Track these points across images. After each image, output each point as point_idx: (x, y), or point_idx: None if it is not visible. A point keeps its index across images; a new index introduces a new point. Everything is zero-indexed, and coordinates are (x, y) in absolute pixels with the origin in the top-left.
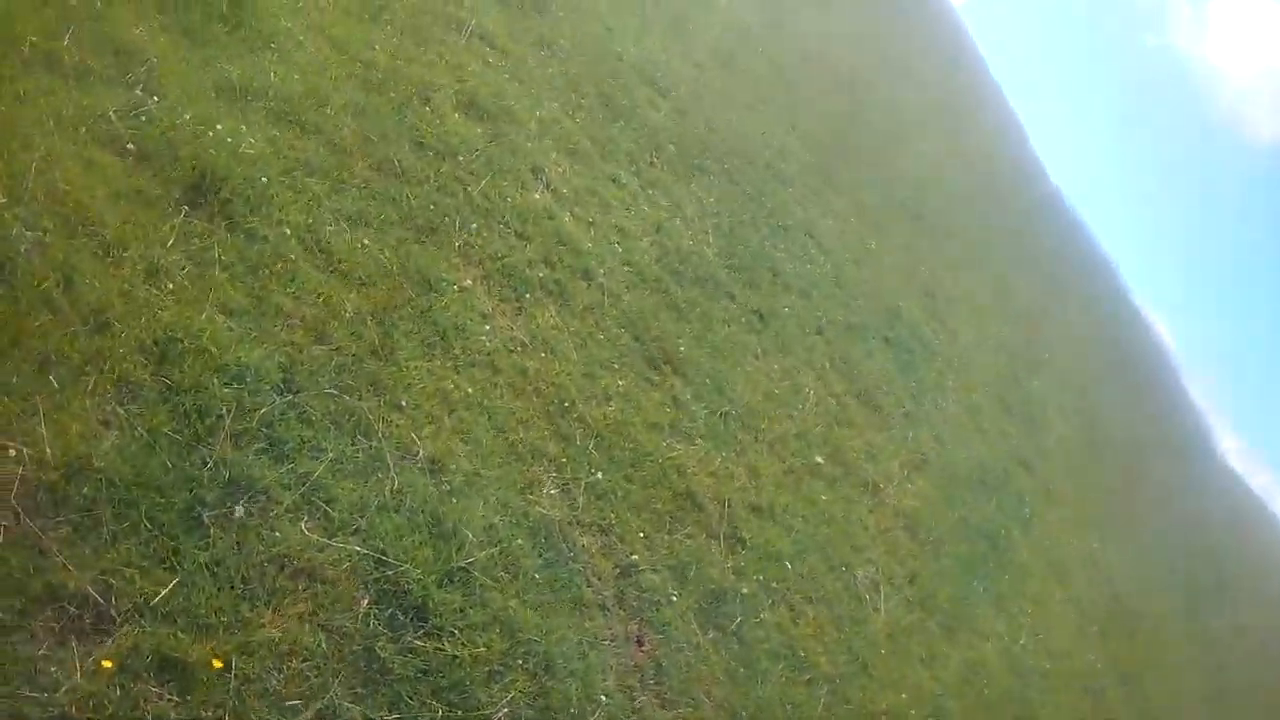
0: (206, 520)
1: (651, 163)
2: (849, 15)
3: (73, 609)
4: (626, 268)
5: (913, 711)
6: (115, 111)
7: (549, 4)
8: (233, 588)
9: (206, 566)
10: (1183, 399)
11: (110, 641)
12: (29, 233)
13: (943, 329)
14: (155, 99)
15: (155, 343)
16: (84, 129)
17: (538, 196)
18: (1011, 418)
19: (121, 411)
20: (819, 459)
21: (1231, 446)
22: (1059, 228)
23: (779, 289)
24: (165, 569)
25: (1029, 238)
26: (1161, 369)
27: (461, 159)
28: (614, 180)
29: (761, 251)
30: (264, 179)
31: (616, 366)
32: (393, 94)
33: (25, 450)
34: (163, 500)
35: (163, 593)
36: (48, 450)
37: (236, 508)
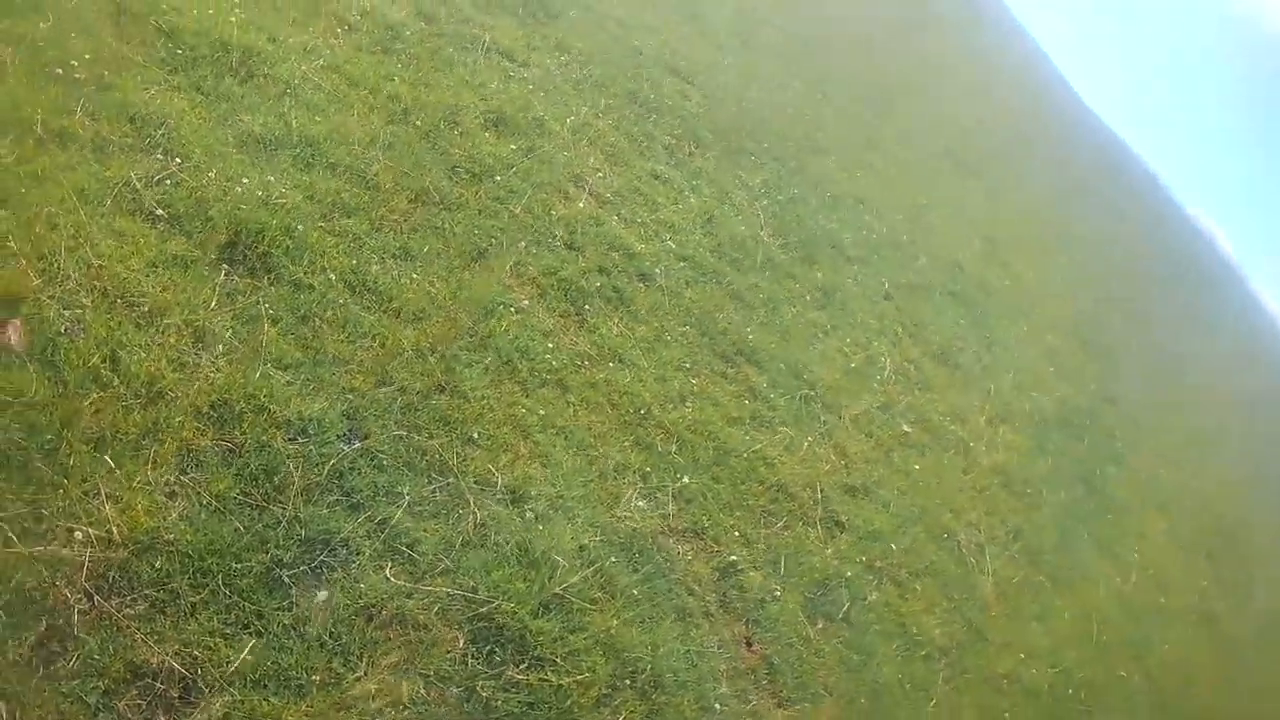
0: (287, 580)
1: (691, 153)
2: None
3: (158, 685)
4: (683, 263)
5: (1033, 670)
6: (139, 179)
7: (561, 10)
8: (322, 645)
9: (292, 627)
10: (1252, 304)
11: (200, 713)
12: (67, 312)
13: (1006, 273)
14: (178, 161)
15: (212, 407)
16: (109, 200)
17: (582, 205)
18: (1089, 353)
19: (186, 480)
20: (906, 428)
21: None
22: (1101, 151)
23: (839, 261)
24: (249, 633)
25: (1075, 166)
26: (1228, 278)
27: (499, 178)
28: (656, 176)
29: (816, 226)
30: (300, 227)
31: (688, 366)
32: (419, 122)
33: (91, 531)
34: (239, 565)
35: (249, 658)
36: (114, 529)
37: (319, 593)
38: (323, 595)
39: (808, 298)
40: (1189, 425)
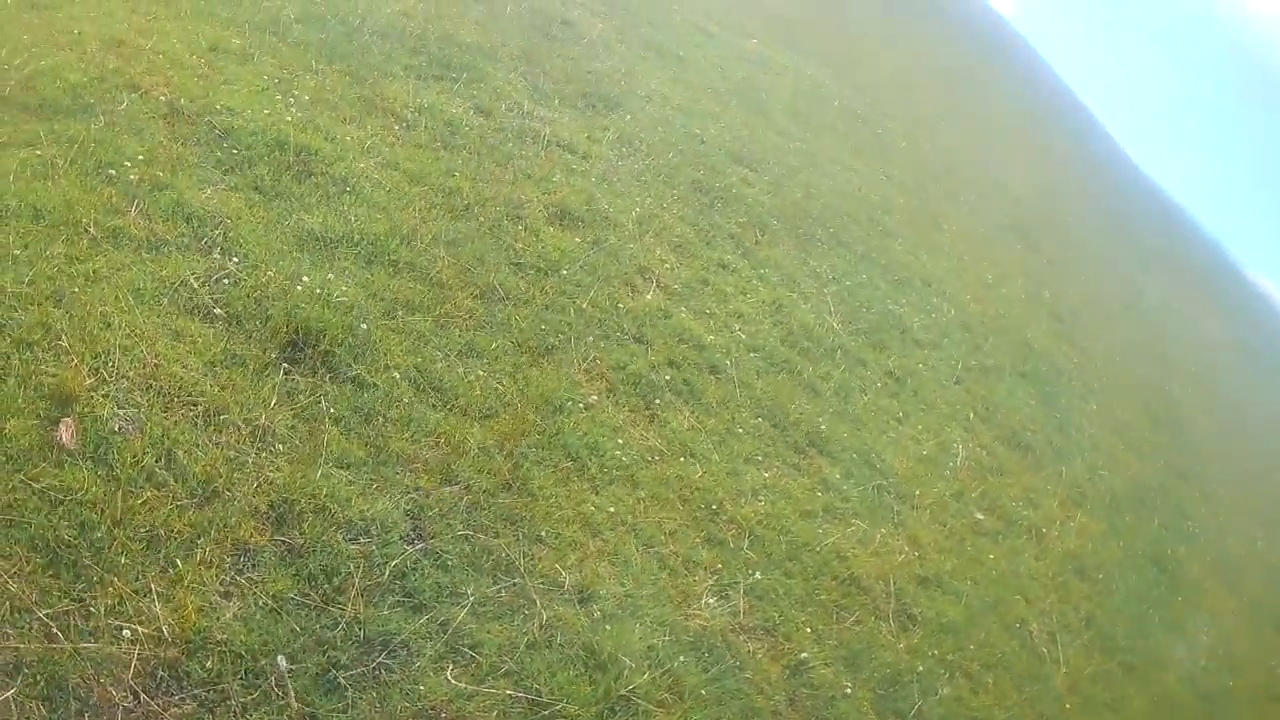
0: (344, 682)
1: (757, 241)
2: (911, 49)
3: None
4: (753, 354)
5: None
6: (196, 278)
7: (620, 101)
8: None
9: None
10: None
11: None
12: (121, 410)
13: (1075, 350)
14: (236, 260)
15: (270, 506)
16: (166, 299)
17: (649, 297)
18: (1160, 426)
19: (242, 580)
20: (979, 515)
21: None
22: (1161, 217)
23: (909, 345)
24: None
25: (1137, 233)
26: None
27: (565, 272)
28: (723, 266)
29: (884, 310)
30: (363, 325)
31: (760, 459)
32: (481, 218)
33: (140, 629)
34: (294, 666)
35: None
36: (164, 627)
37: (279, 659)
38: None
39: (879, 384)
40: (1259, 496)
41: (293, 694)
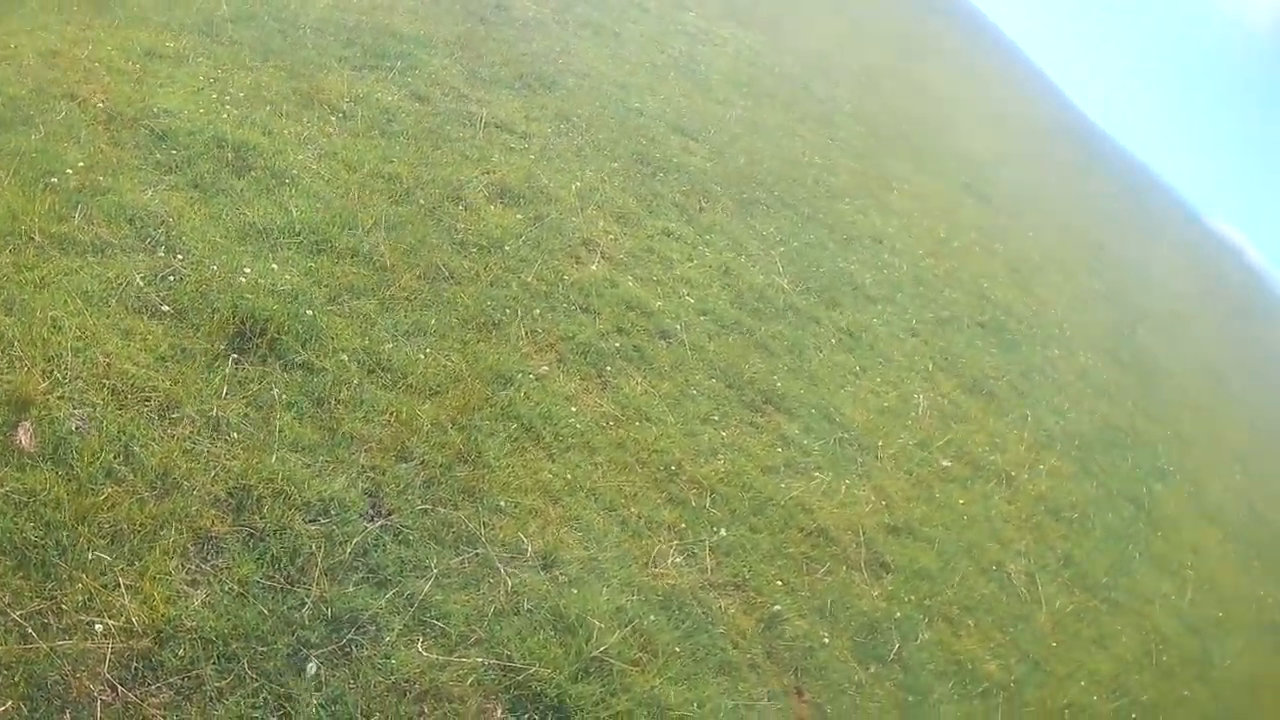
0: (315, 660)
1: (701, 208)
2: (857, 15)
3: None
4: (703, 317)
5: (1095, 698)
6: (142, 277)
7: (557, 80)
8: None
9: (323, 707)
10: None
11: None
12: (77, 410)
13: (1034, 299)
14: (179, 257)
15: (229, 494)
16: (114, 300)
17: (594, 268)
18: (1125, 369)
19: (206, 568)
20: (945, 463)
21: None
22: (1123, 174)
23: (862, 301)
24: (278, 716)
25: (1099, 191)
26: (1255, 282)
27: (508, 248)
28: (668, 234)
29: (835, 269)
30: (309, 311)
31: (716, 418)
32: (421, 201)
33: (111, 623)
34: (265, 648)
35: None
36: (134, 619)
37: (308, 666)
38: (311, 669)
39: (833, 341)
40: (1230, 431)
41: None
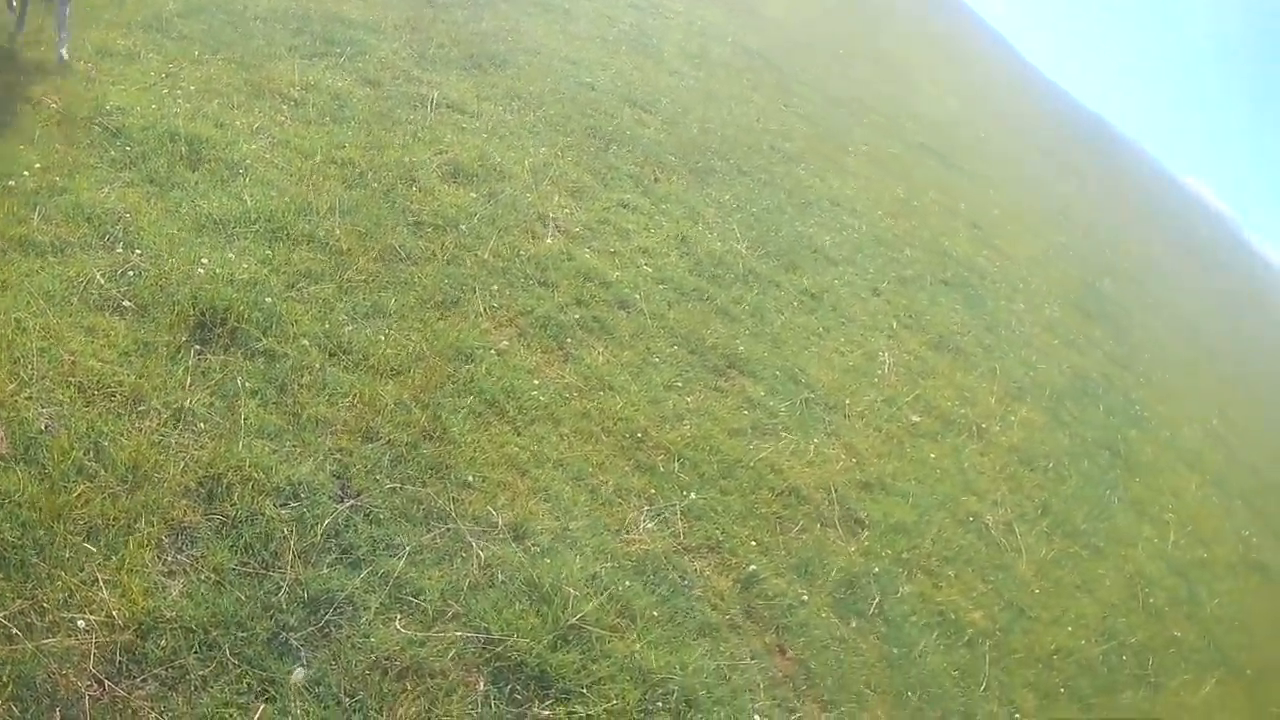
0: (295, 643)
1: (656, 179)
2: None
3: None
4: (662, 286)
5: (1083, 642)
6: (102, 274)
7: (507, 58)
8: (338, 703)
9: (306, 689)
10: (1248, 254)
11: None
12: (45, 410)
13: (997, 255)
14: (138, 252)
15: (199, 483)
16: (75, 298)
17: (550, 242)
18: (1093, 321)
19: (182, 558)
20: (914, 418)
21: None
22: (1085, 131)
23: (823, 263)
24: (263, 700)
25: (1061, 149)
26: (1220, 232)
27: (464, 227)
28: (624, 205)
29: (793, 233)
30: (268, 299)
31: (680, 384)
32: (375, 184)
33: (93, 618)
34: (245, 634)
35: None
36: (115, 613)
37: (295, 670)
38: (299, 674)
39: (795, 303)
40: (1205, 380)
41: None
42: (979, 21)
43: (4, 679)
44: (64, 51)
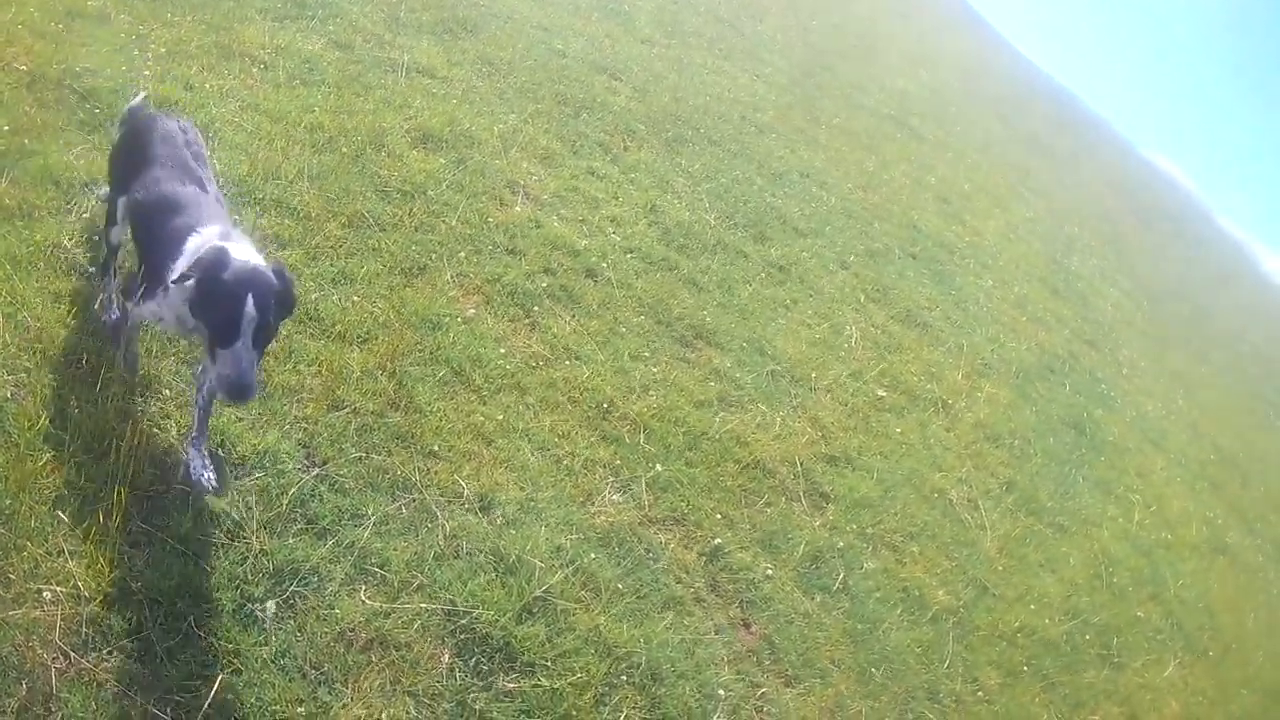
0: (259, 614)
1: (626, 147)
2: None
3: None
4: (630, 255)
5: (1046, 620)
6: (70, 239)
7: (479, 24)
8: (304, 675)
9: (271, 660)
10: (1216, 234)
11: None
12: (11, 377)
13: (966, 230)
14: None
15: (165, 452)
16: (42, 264)
17: (519, 209)
18: (1060, 299)
19: (147, 528)
20: (880, 392)
21: (1276, 265)
22: (1051, 104)
23: (791, 235)
24: (230, 672)
25: (1028, 122)
26: (1189, 211)
27: (431, 193)
28: (593, 173)
29: (762, 204)
30: None
31: (647, 355)
32: (344, 149)
33: (59, 589)
34: (210, 605)
35: (230, 697)
36: (80, 584)
37: (268, 604)
38: (271, 607)
39: (763, 275)
40: (1173, 357)
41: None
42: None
43: None
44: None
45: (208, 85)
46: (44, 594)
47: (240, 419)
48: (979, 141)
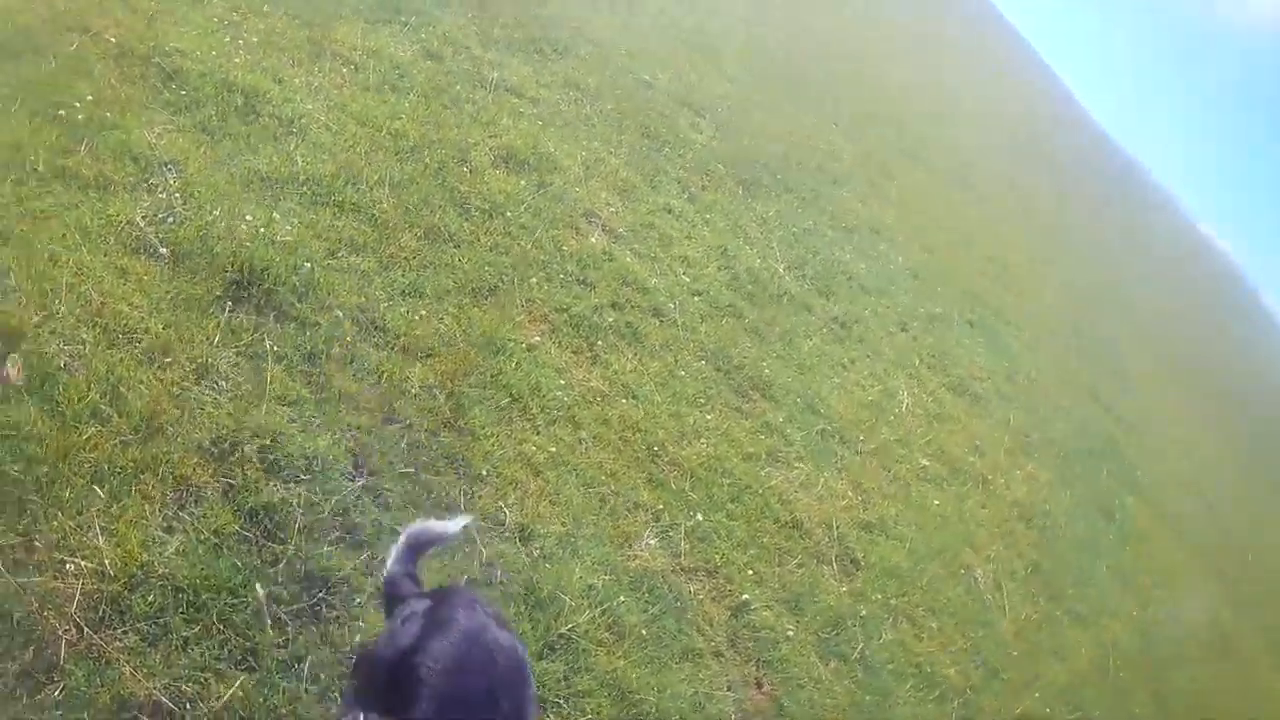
0: (284, 617)
1: (704, 186)
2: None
3: (144, 718)
4: (697, 298)
5: (1048, 710)
6: (143, 217)
7: (569, 46)
8: (316, 682)
9: (287, 664)
10: (1264, 318)
11: None
12: (67, 347)
13: (1023, 300)
14: (181, 199)
15: (213, 443)
16: (112, 238)
17: (594, 240)
18: (1108, 377)
19: (184, 515)
20: (924, 462)
21: None
22: (1114, 170)
23: (856, 292)
24: (242, 670)
25: (1085, 183)
26: (1238, 291)
27: (509, 214)
28: (669, 210)
29: (831, 257)
30: (307, 264)
31: (703, 401)
32: (427, 160)
33: (83, 564)
34: (235, 601)
35: (239, 694)
36: (106, 561)
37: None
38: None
39: (824, 330)
40: (1201, 442)
41: (269, 621)
42: (1024, 45)
43: None
44: None
45: (297, 80)
46: (67, 566)
47: (294, 420)
48: (1036, 202)
